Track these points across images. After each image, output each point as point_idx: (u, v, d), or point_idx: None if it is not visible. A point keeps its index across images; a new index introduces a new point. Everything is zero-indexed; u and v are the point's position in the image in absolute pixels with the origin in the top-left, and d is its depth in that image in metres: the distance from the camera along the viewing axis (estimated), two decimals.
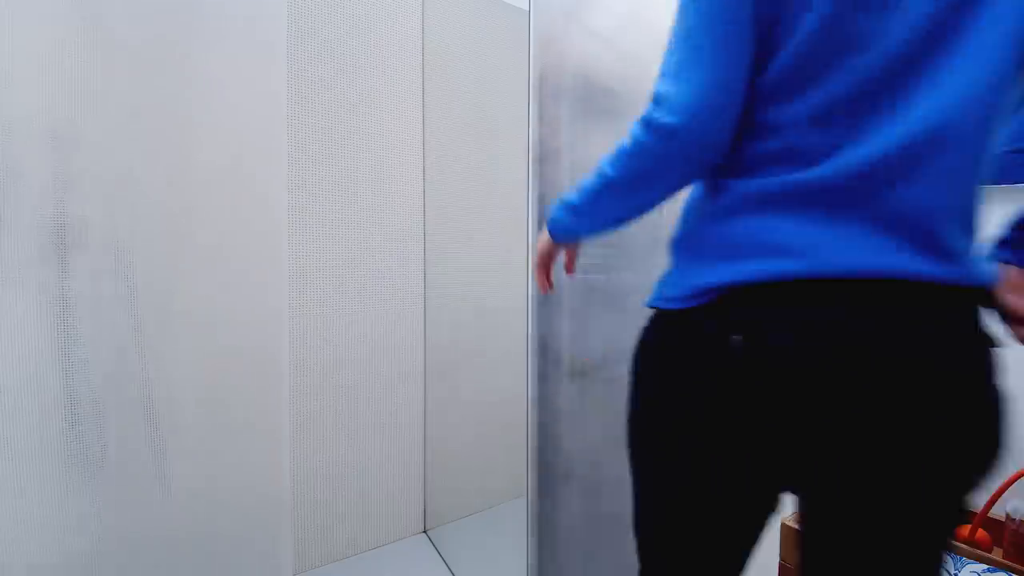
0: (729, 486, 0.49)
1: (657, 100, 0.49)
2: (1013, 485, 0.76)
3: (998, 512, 0.80)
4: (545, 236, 0.67)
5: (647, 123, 0.49)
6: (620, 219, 0.60)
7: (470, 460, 1.01)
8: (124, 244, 0.64)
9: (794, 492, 0.49)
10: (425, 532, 1.47)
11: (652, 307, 0.55)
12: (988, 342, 0.42)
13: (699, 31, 0.46)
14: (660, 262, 0.69)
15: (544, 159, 1.12)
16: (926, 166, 0.40)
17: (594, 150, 1.16)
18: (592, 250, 1.18)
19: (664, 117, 0.48)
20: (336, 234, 0.92)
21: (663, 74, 0.49)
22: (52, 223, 0.60)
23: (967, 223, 0.43)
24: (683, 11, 0.48)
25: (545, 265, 0.73)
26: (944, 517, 0.43)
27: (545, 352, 1.14)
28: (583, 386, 1.18)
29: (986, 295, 0.43)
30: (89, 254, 0.62)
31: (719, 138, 0.48)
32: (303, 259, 1.03)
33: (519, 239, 1.07)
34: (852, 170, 0.41)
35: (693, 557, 0.55)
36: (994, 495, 0.78)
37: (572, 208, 0.60)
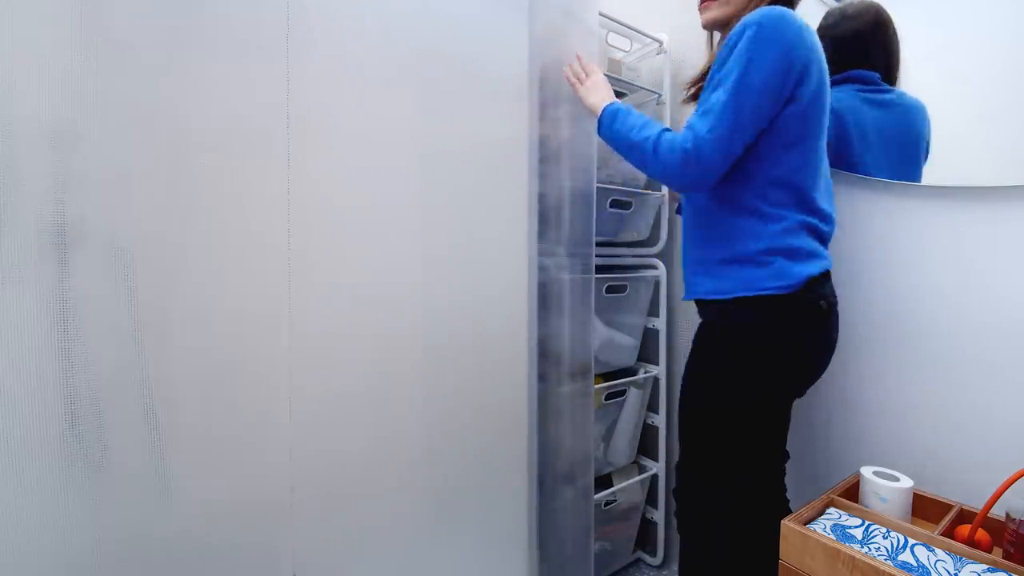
0: (808, 380, 0.89)
1: (700, 145, 0.77)
2: (1013, 485, 0.76)
3: (998, 512, 0.80)
4: (598, 95, 0.98)
5: (684, 155, 0.79)
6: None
7: (470, 460, 1.01)
8: (124, 244, 0.64)
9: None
10: None
11: (765, 294, 0.81)
12: None
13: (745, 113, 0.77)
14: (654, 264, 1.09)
15: (544, 159, 1.12)
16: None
17: (594, 150, 1.16)
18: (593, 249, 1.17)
19: (690, 157, 0.78)
20: (336, 233, 0.92)
21: (712, 130, 0.77)
22: (52, 223, 0.60)
23: None
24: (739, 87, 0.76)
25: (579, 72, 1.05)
26: None
27: (545, 352, 1.14)
28: (583, 386, 1.18)
29: None
30: (89, 254, 0.62)
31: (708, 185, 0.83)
32: (303, 259, 1.02)
33: (519, 239, 1.07)
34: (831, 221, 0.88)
35: (776, 443, 0.92)
36: (994, 495, 0.77)
37: (614, 128, 0.92)
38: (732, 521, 0.90)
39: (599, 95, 0.97)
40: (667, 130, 0.85)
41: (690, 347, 0.94)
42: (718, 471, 0.90)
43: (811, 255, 0.82)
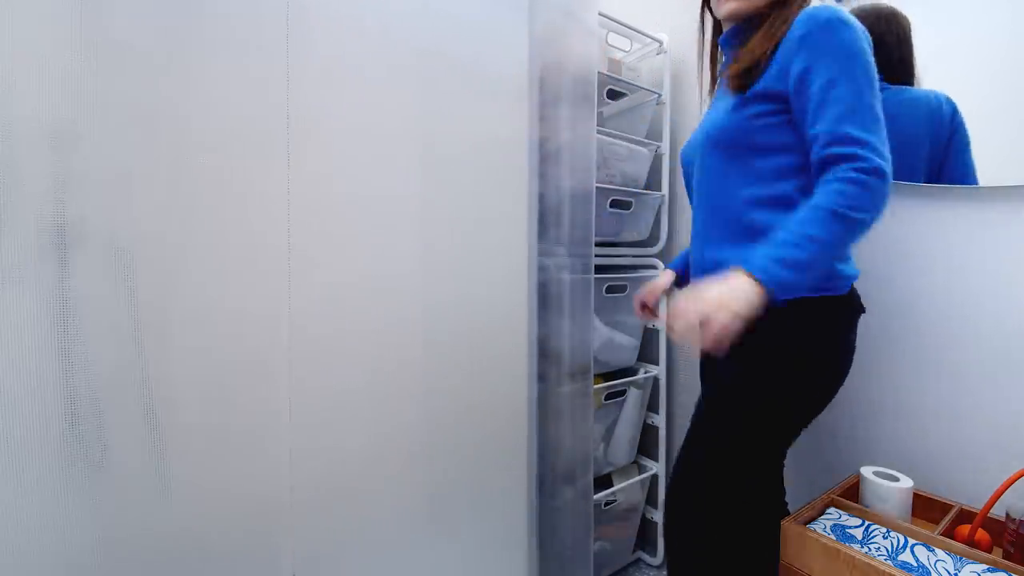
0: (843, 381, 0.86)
1: (878, 154, 0.69)
2: (1013, 485, 0.76)
3: (998, 512, 0.80)
4: (731, 282, 0.70)
5: (883, 173, 0.69)
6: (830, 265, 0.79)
7: (470, 459, 1.01)
8: (124, 244, 0.64)
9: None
10: None
11: (823, 295, 0.79)
12: None
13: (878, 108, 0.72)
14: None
15: (544, 159, 1.12)
16: None
17: (594, 150, 1.16)
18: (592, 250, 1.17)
19: (887, 167, 0.70)
20: (336, 232, 0.92)
21: (870, 131, 0.70)
22: (52, 223, 0.60)
23: None
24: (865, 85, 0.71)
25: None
26: None
27: (545, 352, 1.14)
28: (583, 386, 1.18)
29: None
30: (89, 254, 0.62)
31: None
32: (303, 258, 1.02)
33: (519, 238, 1.07)
34: None
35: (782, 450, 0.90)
36: (994, 495, 0.77)
37: (801, 265, 0.69)
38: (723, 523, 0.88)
39: (730, 281, 0.71)
40: (805, 192, 0.76)
41: (725, 355, 0.88)
42: (748, 476, 0.86)
43: (849, 257, 0.83)
